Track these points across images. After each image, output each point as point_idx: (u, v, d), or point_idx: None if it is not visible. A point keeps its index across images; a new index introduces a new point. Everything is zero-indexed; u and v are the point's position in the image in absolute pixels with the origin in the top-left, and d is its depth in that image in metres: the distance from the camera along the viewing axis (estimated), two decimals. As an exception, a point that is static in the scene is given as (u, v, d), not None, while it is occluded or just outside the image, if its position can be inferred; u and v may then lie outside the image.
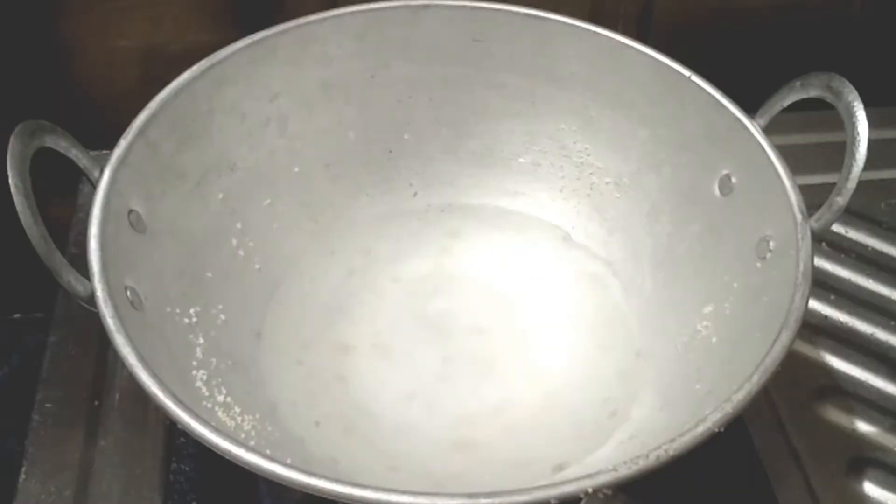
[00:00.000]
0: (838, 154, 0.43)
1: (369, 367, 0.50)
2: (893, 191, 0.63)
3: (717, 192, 0.49)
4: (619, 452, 0.44)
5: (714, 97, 0.48)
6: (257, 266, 0.52)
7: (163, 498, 0.47)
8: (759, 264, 0.45)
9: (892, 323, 0.56)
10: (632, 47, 0.51)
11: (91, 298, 0.39)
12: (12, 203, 0.38)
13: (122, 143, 0.44)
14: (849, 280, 0.58)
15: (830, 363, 0.53)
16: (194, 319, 0.46)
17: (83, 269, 0.40)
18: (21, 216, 0.38)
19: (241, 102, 0.51)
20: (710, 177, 0.49)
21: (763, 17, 0.68)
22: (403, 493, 0.33)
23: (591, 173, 0.55)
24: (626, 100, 0.52)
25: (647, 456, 0.34)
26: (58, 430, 0.49)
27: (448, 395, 0.49)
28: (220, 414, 0.43)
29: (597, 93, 0.53)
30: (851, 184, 0.42)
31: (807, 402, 0.52)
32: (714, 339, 0.46)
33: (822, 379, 0.53)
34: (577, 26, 0.52)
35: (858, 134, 0.42)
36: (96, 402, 0.50)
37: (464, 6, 0.53)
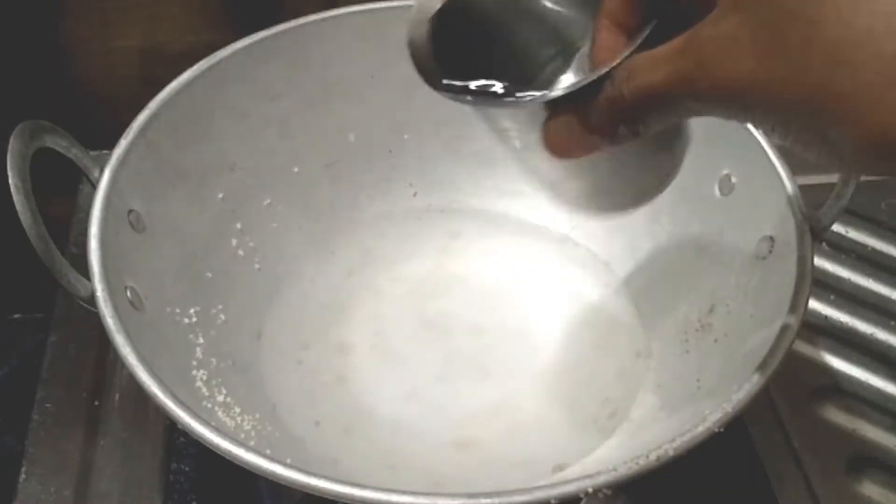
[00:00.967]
0: (838, 154, 0.43)
1: (369, 367, 0.50)
2: (893, 191, 0.63)
3: (717, 192, 0.49)
4: (619, 452, 0.44)
5: (714, 97, 0.48)
6: (257, 266, 0.52)
7: (163, 498, 0.47)
8: (759, 264, 0.45)
9: (892, 323, 0.56)
10: (632, 47, 0.51)
11: (91, 298, 0.39)
12: (12, 203, 0.38)
13: (123, 144, 0.44)
14: (849, 280, 0.58)
15: (830, 363, 0.53)
16: (194, 319, 0.46)
17: (83, 269, 0.40)
18: (21, 216, 0.38)
19: (241, 102, 0.51)
20: (710, 177, 0.49)
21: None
22: (404, 493, 0.33)
23: (591, 173, 0.55)
24: (626, 100, 0.52)
25: (647, 456, 0.34)
26: (58, 429, 0.49)
27: (448, 395, 0.49)
28: (220, 414, 0.43)
29: (597, 93, 0.53)
30: (851, 184, 0.42)
31: (807, 401, 0.52)
32: (714, 339, 0.46)
33: (822, 379, 0.53)
34: (577, 26, 0.52)
35: (858, 134, 0.42)
36: (96, 402, 0.50)
37: (464, 6, 0.52)
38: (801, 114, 0.26)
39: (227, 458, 0.34)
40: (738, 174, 0.48)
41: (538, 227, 0.56)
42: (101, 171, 0.43)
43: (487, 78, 0.34)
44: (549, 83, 0.35)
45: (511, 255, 0.55)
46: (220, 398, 0.44)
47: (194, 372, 0.44)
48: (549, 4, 0.36)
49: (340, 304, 0.52)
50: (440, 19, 0.34)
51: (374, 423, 0.48)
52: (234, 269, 0.50)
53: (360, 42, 0.53)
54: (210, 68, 0.49)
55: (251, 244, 0.52)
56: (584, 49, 0.35)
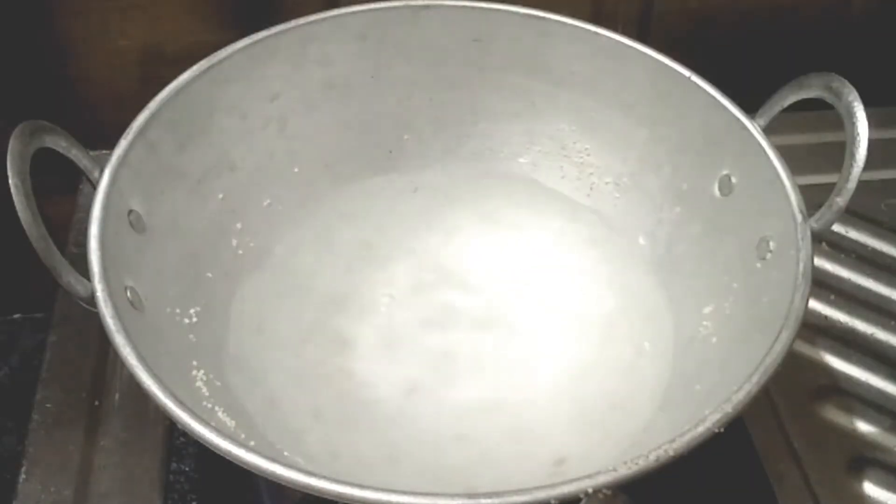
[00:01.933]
0: (838, 154, 0.43)
1: (369, 362, 0.50)
2: (893, 191, 0.63)
3: (717, 192, 0.49)
4: (619, 451, 0.44)
5: (714, 97, 0.48)
6: (258, 265, 0.52)
7: (162, 498, 0.47)
8: (759, 264, 0.45)
9: (892, 323, 0.56)
10: (632, 47, 0.51)
11: (91, 298, 0.39)
12: (12, 203, 0.38)
13: (123, 144, 0.44)
14: (849, 280, 0.58)
15: (830, 363, 0.54)
16: (194, 319, 0.46)
17: (83, 269, 0.40)
18: (21, 216, 0.38)
19: (241, 102, 0.51)
20: (710, 177, 0.49)
21: (763, 17, 0.68)
22: (404, 493, 0.33)
23: (590, 173, 0.55)
24: (626, 100, 0.52)
25: (647, 456, 0.34)
26: (58, 429, 0.49)
27: (448, 389, 0.49)
28: (219, 414, 0.43)
29: (597, 93, 0.53)
30: (851, 184, 0.42)
31: (807, 402, 0.52)
32: (714, 339, 0.46)
33: (822, 379, 0.53)
34: (578, 27, 0.52)
35: (858, 134, 0.42)
36: (96, 402, 0.50)
37: (464, 6, 0.53)
38: None
39: (227, 457, 0.34)
40: (738, 174, 0.48)
41: (538, 226, 0.56)
42: (101, 171, 0.43)
43: None
44: None
45: (511, 253, 0.55)
46: (221, 396, 0.44)
47: (194, 372, 0.44)
48: None
49: (340, 300, 0.52)
50: None
51: (373, 416, 0.47)
52: (234, 268, 0.50)
53: (360, 42, 0.53)
54: (210, 68, 0.49)
55: (251, 244, 0.52)
56: None
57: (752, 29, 0.69)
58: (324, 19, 0.52)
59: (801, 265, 0.41)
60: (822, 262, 0.58)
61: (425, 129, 0.56)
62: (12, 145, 0.39)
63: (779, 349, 0.38)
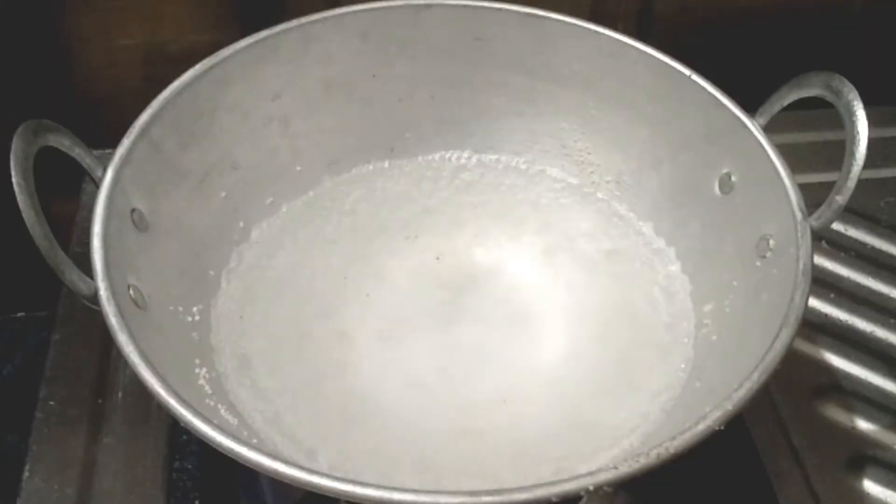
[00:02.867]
0: (838, 153, 0.43)
1: (371, 357, 0.50)
2: (893, 189, 0.63)
3: (717, 190, 0.49)
4: (620, 449, 0.44)
5: (714, 96, 0.48)
6: (259, 263, 0.52)
7: (165, 495, 0.47)
8: (759, 263, 0.45)
9: (892, 321, 0.56)
10: (632, 46, 0.51)
11: (94, 297, 0.39)
12: (15, 202, 0.38)
13: (125, 142, 0.44)
14: (848, 278, 0.58)
15: (830, 361, 0.54)
16: (197, 318, 0.46)
17: (86, 267, 0.40)
18: (24, 215, 0.38)
19: (243, 101, 0.51)
20: (710, 175, 0.49)
21: (763, 16, 0.68)
22: (405, 491, 0.33)
23: (591, 172, 0.55)
24: (626, 99, 0.52)
25: (648, 454, 0.34)
26: (61, 427, 0.49)
27: (450, 385, 0.49)
28: (222, 411, 0.43)
29: (597, 92, 0.53)
30: (851, 182, 0.42)
31: (807, 399, 0.52)
32: (714, 338, 0.46)
33: (821, 377, 0.53)
34: (578, 25, 0.52)
35: (858, 133, 0.42)
36: (99, 400, 0.50)
37: (465, 5, 0.53)
38: None
39: (230, 455, 0.34)
40: (738, 173, 0.48)
41: (539, 224, 0.56)
42: (104, 169, 0.43)
43: None
44: None
45: (512, 249, 0.55)
46: (223, 394, 0.44)
47: (197, 370, 0.44)
48: None
49: (342, 294, 0.52)
50: None
51: (375, 412, 0.47)
52: (237, 266, 0.51)
53: (362, 41, 0.53)
54: (212, 67, 0.49)
55: (254, 242, 0.52)
56: None
57: (753, 27, 0.69)
58: (325, 18, 0.52)
59: (801, 263, 0.41)
60: (821, 261, 0.58)
61: (426, 127, 0.56)
62: (15, 144, 0.39)
63: (779, 347, 0.38)
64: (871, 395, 0.52)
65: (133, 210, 0.44)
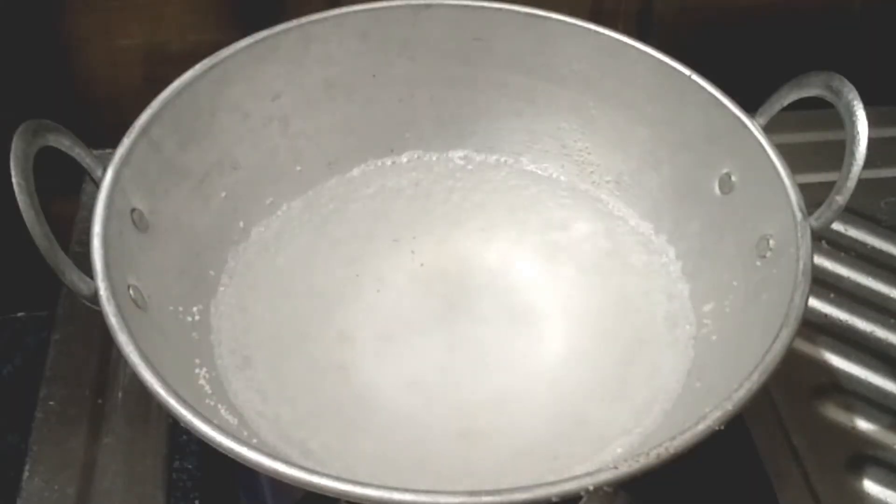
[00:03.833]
0: (838, 153, 0.43)
1: (371, 357, 0.50)
2: (893, 189, 0.63)
3: (717, 190, 0.49)
4: (620, 449, 0.44)
5: (714, 96, 0.48)
6: (259, 262, 0.52)
7: (165, 495, 0.47)
8: (759, 263, 0.45)
9: (892, 321, 0.56)
10: (632, 46, 0.51)
11: (94, 297, 0.39)
12: (15, 202, 0.38)
13: (125, 142, 0.44)
14: (848, 278, 0.58)
15: (830, 361, 0.54)
16: (197, 318, 0.46)
17: (86, 267, 0.40)
18: (24, 215, 0.38)
19: (243, 101, 0.51)
20: (710, 175, 0.49)
21: (763, 15, 0.68)
22: (406, 490, 0.33)
23: (591, 171, 0.55)
24: (626, 99, 0.52)
25: (648, 454, 0.35)
26: (61, 427, 0.49)
27: (451, 385, 0.49)
28: (222, 411, 0.43)
29: (597, 92, 0.53)
30: (851, 182, 0.42)
31: (807, 399, 0.52)
32: (714, 338, 0.46)
33: (821, 377, 0.53)
34: (578, 25, 0.52)
35: (858, 133, 0.42)
36: (99, 400, 0.50)
37: (465, 6, 0.53)
38: None
39: (230, 455, 0.34)
40: (738, 173, 0.48)
41: (539, 224, 0.56)
42: (104, 169, 0.43)
43: None
44: None
45: (512, 248, 0.55)
46: (223, 394, 0.44)
47: (197, 370, 0.44)
48: None
49: (342, 294, 0.52)
50: None
51: (375, 412, 0.47)
52: (237, 266, 0.51)
53: (362, 41, 0.53)
54: (212, 67, 0.49)
55: (254, 242, 0.52)
56: None
57: (753, 27, 0.69)
58: (325, 18, 0.52)
59: (801, 263, 0.41)
60: (821, 261, 0.58)
61: (426, 127, 0.56)
62: (15, 144, 0.39)
63: (779, 347, 0.38)
64: (871, 395, 0.52)
65: (133, 210, 0.44)
